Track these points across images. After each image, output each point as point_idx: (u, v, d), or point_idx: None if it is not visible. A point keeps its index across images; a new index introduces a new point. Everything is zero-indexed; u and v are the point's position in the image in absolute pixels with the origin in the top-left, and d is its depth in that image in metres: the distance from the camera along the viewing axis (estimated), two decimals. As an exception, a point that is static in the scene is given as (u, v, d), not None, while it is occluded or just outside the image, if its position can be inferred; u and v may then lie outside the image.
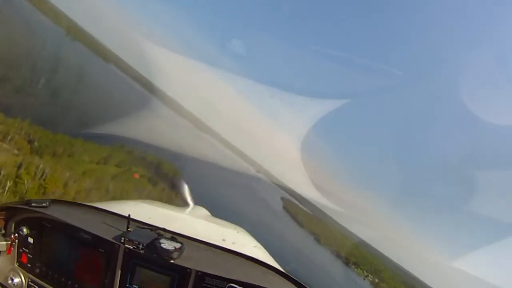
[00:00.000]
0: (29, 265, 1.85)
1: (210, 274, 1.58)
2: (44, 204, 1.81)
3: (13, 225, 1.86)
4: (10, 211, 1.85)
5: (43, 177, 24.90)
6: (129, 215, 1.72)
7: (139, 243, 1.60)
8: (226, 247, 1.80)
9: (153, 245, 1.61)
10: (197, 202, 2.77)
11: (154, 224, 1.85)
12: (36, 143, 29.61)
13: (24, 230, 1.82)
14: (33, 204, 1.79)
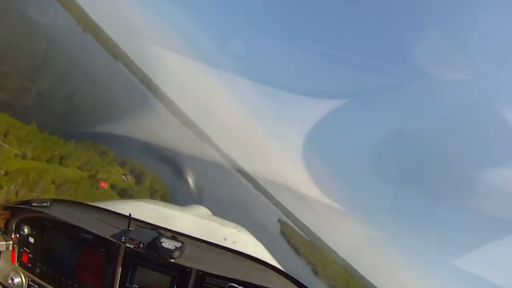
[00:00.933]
0: (29, 264, 1.85)
1: (210, 273, 1.58)
2: (45, 204, 1.81)
3: (14, 224, 1.86)
4: (11, 210, 1.86)
5: None
6: (130, 214, 1.72)
7: (140, 242, 1.60)
8: (227, 246, 1.80)
9: (154, 244, 1.62)
10: (196, 202, 2.77)
11: (155, 224, 1.86)
12: None
13: (25, 229, 1.82)
14: (34, 204, 1.80)
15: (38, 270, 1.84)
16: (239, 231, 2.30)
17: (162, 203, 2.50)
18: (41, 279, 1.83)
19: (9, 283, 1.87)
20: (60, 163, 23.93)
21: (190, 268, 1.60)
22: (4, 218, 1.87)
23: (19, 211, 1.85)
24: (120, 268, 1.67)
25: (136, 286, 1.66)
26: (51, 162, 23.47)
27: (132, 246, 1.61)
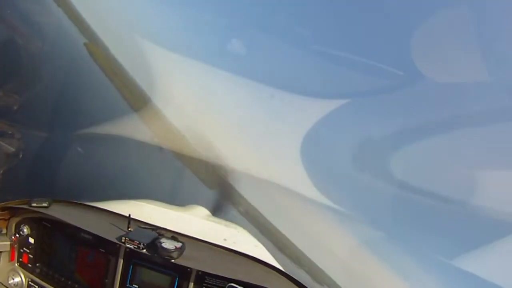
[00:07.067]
0: (29, 265, 1.86)
1: (210, 273, 1.58)
2: (44, 204, 1.82)
3: (14, 225, 1.87)
4: (11, 211, 1.86)
5: None
6: (129, 214, 1.72)
7: (139, 243, 1.60)
8: (227, 246, 1.80)
9: (154, 245, 1.62)
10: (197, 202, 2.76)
11: (155, 224, 1.86)
12: None
13: (25, 230, 1.83)
14: (33, 204, 1.81)
15: (38, 270, 1.85)
16: (238, 231, 2.29)
17: (162, 203, 2.49)
18: (41, 279, 1.84)
19: (9, 284, 1.88)
20: None
21: (190, 269, 1.60)
22: (4, 219, 1.88)
23: (19, 212, 1.85)
24: (120, 268, 1.68)
25: (136, 286, 1.67)
26: None
27: (132, 247, 1.61)
